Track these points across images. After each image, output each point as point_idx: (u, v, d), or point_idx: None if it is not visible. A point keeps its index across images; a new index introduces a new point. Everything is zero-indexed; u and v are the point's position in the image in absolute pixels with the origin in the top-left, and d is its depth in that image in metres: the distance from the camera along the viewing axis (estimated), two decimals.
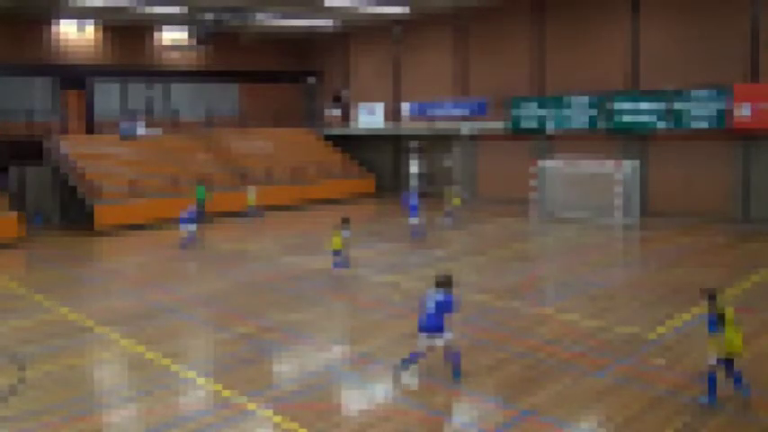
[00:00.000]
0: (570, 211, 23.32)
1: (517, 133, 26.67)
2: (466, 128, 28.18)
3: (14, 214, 22.18)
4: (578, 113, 24.20)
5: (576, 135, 24.92)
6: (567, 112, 24.51)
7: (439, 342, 9.17)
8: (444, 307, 9.13)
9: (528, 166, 24.79)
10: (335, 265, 15.96)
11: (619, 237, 20.77)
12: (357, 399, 9.03)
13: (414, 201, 20.52)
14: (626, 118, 22.94)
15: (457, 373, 9.29)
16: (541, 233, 21.75)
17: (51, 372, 10.09)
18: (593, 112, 23.81)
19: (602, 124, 23.67)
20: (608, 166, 22.30)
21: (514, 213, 24.89)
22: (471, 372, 9.56)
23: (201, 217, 23.37)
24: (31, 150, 26.68)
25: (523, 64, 27.68)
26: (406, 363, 9.43)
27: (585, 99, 24.00)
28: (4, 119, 27.72)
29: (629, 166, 22.41)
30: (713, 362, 8.35)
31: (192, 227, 20.37)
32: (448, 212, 23.18)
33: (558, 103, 24.83)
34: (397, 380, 9.36)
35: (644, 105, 22.49)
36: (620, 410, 8.31)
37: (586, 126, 24.09)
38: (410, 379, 9.43)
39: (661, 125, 22.31)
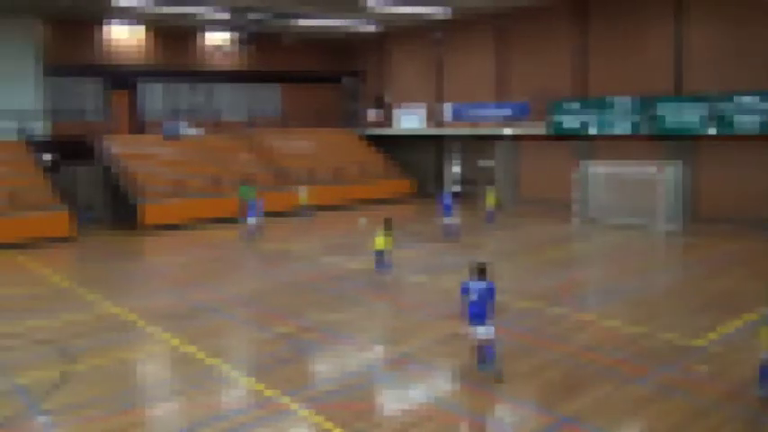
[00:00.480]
0: (613, 216, 22.96)
1: (559, 136, 26.36)
2: (509, 130, 27.99)
3: (66, 212, 22.90)
4: (621, 116, 23.78)
5: (618, 138, 24.51)
6: (609, 114, 24.10)
7: (481, 331, 9.26)
8: (488, 294, 9.29)
9: (570, 169, 24.49)
10: (378, 265, 16.05)
11: (662, 242, 20.36)
12: (396, 400, 9.07)
13: (447, 201, 20.70)
14: (670, 121, 22.46)
15: (491, 364, 9.38)
16: (582, 237, 21.47)
17: (97, 366, 10.41)
18: (637, 114, 23.37)
19: (645, 127, 23.22)
20: (651, 169, 21.88)
21: (556, 216, 24.62)
22: (510, 376, 9.52)
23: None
24: (81, 150, 27.51)
25: (565, 66, 27.35)
26: (491, 359, 9.40)
27: (629, 102, 23.57)
28: (57, 119, 28.63)
29: (673, 170, 21.94)
30: (765, 355, 8.47)
31: (252, 220, 21.65)
32: (490, 213, 23.40)
33: (600, 105, 24.45)
34: (498, 378, 9.30)
35: (688, 109, 21.98)
36: (663, 420, 8.17)
37: (629, 129, 23.66)
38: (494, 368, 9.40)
39: (706, 129, 21.77)
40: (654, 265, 17.46)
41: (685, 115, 22.06)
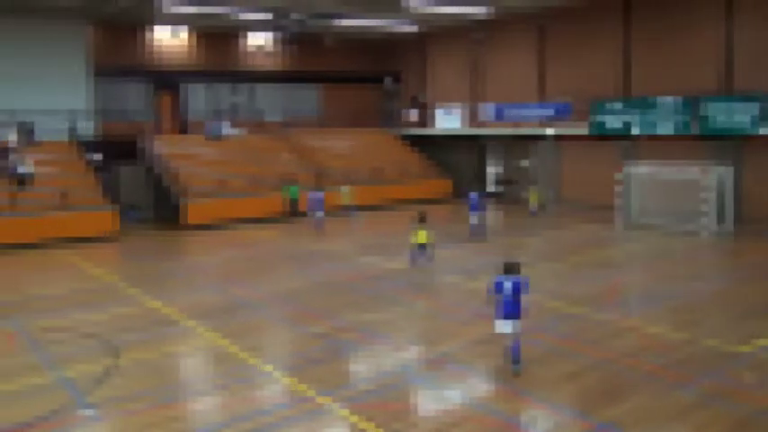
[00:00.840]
0: (657, 218, 22.47)
1: (600, 136, 25.92)
2: (550, 130, 27.66)
3: (110, 210, 23.50)
4: (666, 116, 23.26)
5: (662, 138, 23.98)
6: (653, 114, 23.60)
7: (516, 327, 9.46)
8: (522, 291, 9.46)
9: (612, 170, 24.06)
10: (415, 261, 16.49)
11: (709, 246, 19.84)
12: (433, 401, 9.06)
13: (474, 201, 20.71)
14: (718, 121, 21.87)
15: (517, 360, 9.56)
16: (625, 240, 21.07)
17: (140, 360, 10.66)
18: (683, 114, 22.82)
19: (691, 127, 22.66)
20: (698, 171, 21.35)
21: (598, 219, 24.23)
22: (547, 380, 9.42)
23: (294, 215, 25.49)
24: (127, 149, 28.20)
25: (608, 65, 26.90)
26: (516, 358, 9.59)
27: (674, 101, 23.04)
28: (105, 120, 29.40)
29: (721, 172, 21.37)
30: None
31: (321, 214, 22.96)
32: (533, 212, 23.42)
33: (644, 105, 23.97)
34: (517, 373, 9.55)
35: (738, 108, 21.37)
36: (706, 429, 7.96)
37: (674, 129, 23.12)
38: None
39: (757, 129, 21.12)
40: (699, 269, 17.02)
41: (735, 115, 21.45)
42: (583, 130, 26.20)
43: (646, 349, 10.69)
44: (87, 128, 27.87)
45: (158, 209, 27.70)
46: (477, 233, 20.57)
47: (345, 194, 26.78)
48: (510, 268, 9.66)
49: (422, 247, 16.40)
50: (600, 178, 26.15)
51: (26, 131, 25.53)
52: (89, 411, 8.76)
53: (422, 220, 16.60)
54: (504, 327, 9.53)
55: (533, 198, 23.81)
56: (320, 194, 23.52)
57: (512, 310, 9.41)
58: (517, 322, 9.47)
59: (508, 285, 9.46)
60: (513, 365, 9.61)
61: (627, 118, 24.45)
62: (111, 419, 8.56)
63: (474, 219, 20.69)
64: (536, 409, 8.66)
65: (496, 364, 10.15)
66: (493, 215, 28.15)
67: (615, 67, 26.67)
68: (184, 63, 32.12)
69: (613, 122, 24.95)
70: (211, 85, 33.27)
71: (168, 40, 31.67)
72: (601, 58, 27.18)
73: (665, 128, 23.31)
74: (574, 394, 9.04)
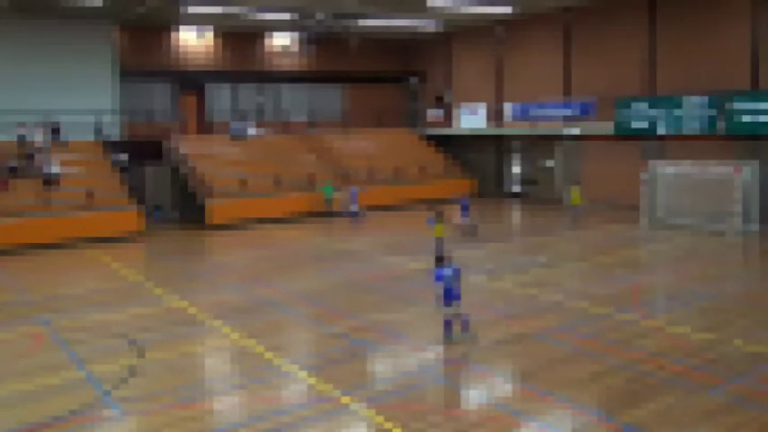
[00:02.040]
0: (682, 218, 22.12)
1: (625, 135, 25.58)
2: (575, 129, 27.38)
3: (135, 209, 23.78)
4: (692, 114, 22.87)
5: (689, 137, 23.59)
6: (679, 112, 23.23)
7: (458, 308, 11.11)
8: (457, 276, 11.16)
9: (637, 169, 23.74)
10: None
11: (736, 246, 19.47)
12: (452, 401, 9.00)
13: (465, 203, 21.94)
14: (746, 119, 21.45)
15: (466, 329, 11.22)
16: (650, 240, 20.76)
17: (161, 360, 10.75)
18: (709, 112, 22.41)
19: (718, 126, 22.25)
20: (725, 170, 20.97)
21: (622, 219, 23.93)
22: (571, 381, 9.32)
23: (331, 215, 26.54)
24: (152, 150, 28.53)
25: (632, 62, 26.55)
26: (448, 332, 11.14)
27: (701, 99, 22.65)
28: (131, 120, 29.77)
29: (749, 171, 20.96)
30: None
31: (355, 207, 25.43)
32: (575, 211, 23.37)
33: (669, 103, 23.59)
34: (447, 341, 11.04)
35: (765, 106, 20.93)
36: None
37: (702, 127, 22.73)
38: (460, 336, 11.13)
39: None
40: (727, 269, 16.70)
41: (762, 113, 21.02)
42: (608, 129, 25.89)
43: (672, 350, 10.52)
44: (113, 128, 28.26)
45: (183, 209, 27.97)
46: (468, 233, 21.36)
47: (329, 193, 26.89)
48: (442, 259, 11.64)
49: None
50: (624, 177, 25.83)
51: (53, 132, 25.98)
52: (112, 410, 8.85)
53: (438, 217, 17.73)
54: (458, 309, 11.12)
55: (576, 197, 23.61)
56: (352, 188, 26.05)
57: (457, 293, 11.10)
58: (459, 302, 11.15)
59: (448, 276, 10.99)
60: (463, 333, 11.16)
61: (652, 116, 24.10)
62: (132, 418, 8.64)
63: (465, 220, 21.59)
64: (560, 410, 8.56)
65: (519, 364, 10.07)
66: (516, 215, 27.97)
67: (640, 66, 26.32)
68: (209, 64, 32.40)
69: (638, 121, 24.61)
70: (236, 86, 33.52)
71: (193, 41, 31.97)
72: (626, 57, 26.84)
73: (691, 127, 22.93)
74: (598, 395, 8.92)
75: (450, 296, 11.05)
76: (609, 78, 27.35)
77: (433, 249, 17.34)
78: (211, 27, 31.94)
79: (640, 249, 19.79)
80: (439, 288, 11.14)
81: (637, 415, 8.24)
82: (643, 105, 24.49)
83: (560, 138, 29.11)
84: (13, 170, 23.37)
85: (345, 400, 8.90)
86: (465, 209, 21.80)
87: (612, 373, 9.63)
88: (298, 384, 9.66)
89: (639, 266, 17.54)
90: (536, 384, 9.29)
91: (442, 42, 36.17)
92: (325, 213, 25.97)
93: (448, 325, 11.15)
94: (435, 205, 19.84)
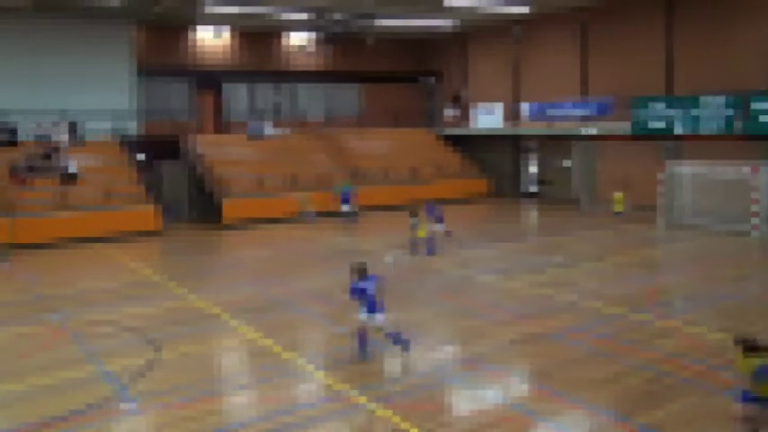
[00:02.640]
0: (700, 219, 21.88)
1: (642, 135, 25.35)
2: (592, 129, 27.18)
3: (152, 207, 23.96)
4: (711, 114, 22.59)
5: (707, 137, 23.31)
6: (697, 112, 22.95)
7: (380, 320, 10.17)
8: (379, 288, 10.23)
9: (654, 170, 23.52)
10: (428, 251, 18.08)
11: (755, 247, 19.23)
12: (467, 401, 8.97)
13: (439, 212, 19.36)
14: (764, 119, 21.14)
15: (406, 346, 10.36)
16: (668, 240, 20.56)
17: (180, 355, 10.82)
18: (728, 112, 22.13)
19: (738, 126, 21.96)
20: (744, 170, 20.71)
21: (639, 219, 23.70)
22: (587, 382, 9.25)
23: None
24: (169, 148, 28.73)
25: (650, 62, 26.30)
26: (363, 347, 10.32)
27: (720, 99, 22.36)
28: (148, 119, 30.01)
29: (766, 171, 20.67)
30: None
31: (347, 207, 24.79)
32: (620, 214, 22.75)
33: (687, 103, 23.33)
34: (354, 359, 10.22)
35: None
36: None
37: (720, 128, 22.46)
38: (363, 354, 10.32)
39: None
40: (745, 270, 16.50)
41: None
42: (625, 128, 25.68)
43: (689, 351, 10.40)
44: (131, 127, 28.49)
45: (199, 207, 28.14)
46: (431, 248, 18.53)
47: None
48: (363, 270, 10.25)
49: (425, 240, 18.11)
50: (641, 178, 25.60)
51: (71, 130, 26.21)
52: (129, 405, 8.93)
53: (413, 214, 18.37)
54: (377, 319, 10.16)
55: (619, 202, 23.06)
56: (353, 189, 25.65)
57: (376, 304, 10.12)
58: (382, 316, 10.20)
59: (369, 288, 10.09)
60: (364, 354, 10.29)
61: (669, 116, 23.86)
62: (148, 413, 8.70)
63: (439, 227, 19.15)
64: (575, 411, 8.50)
65: (534, 364, 10.02)
66: (529, 214, 27.85)
67: (658, 64, 26.07)
68: (226, 63, 32.57)
69: (656, 121, 24.37)
70: (253, 85, 33.66)
71: (211, 40, 32.16)
72: (643, 56, 26.60)
73: (709, 127, 22.66)
74: (614, 397, 8.84)
75: (372, 309, 10.12)
76: (626, 78, 27.13)
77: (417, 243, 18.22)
78: (229, 26, 32.11)
79: (658, 249, 19.60)
80: (357, 301, 10.26)
81: (654, 417, 8.15)
82: (660, 105, 24.23)
83: (577, 138, 28.91)
84: (31, 168, 23.64)
85: (359, 398, 8.89)
86: (439, 220, 19.23)
87: (629, 374, 9.53)
88: (311, 382, 9.66)
89: (657, 267, 17.38)
90: (551, 385, 9.23)
91: (459, 42, 36.07)
92: (341, 213, 25.90)
93: (362, 339, 10.29)
94: (412, 206, 19.44)
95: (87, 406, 8.83)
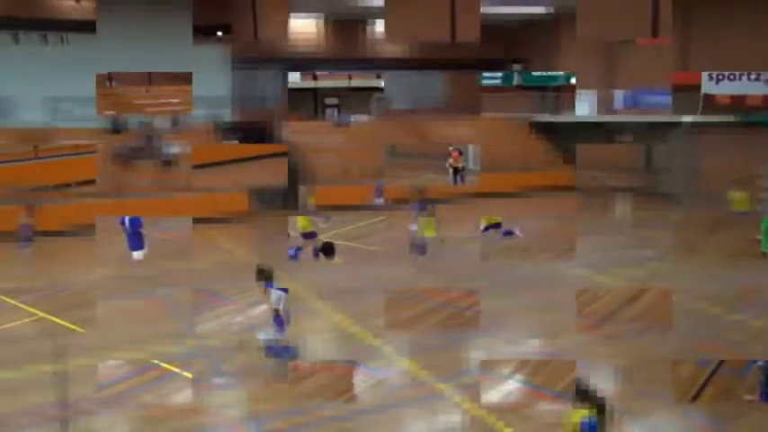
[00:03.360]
0: None
1: (749, 123, 23.93)
2: (688, 117, 25.91)
3: (243, 193, 24.84)
4: None
5: None
6: None
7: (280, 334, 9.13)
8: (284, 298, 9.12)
9: (760, 161, 22.16)
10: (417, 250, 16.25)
11: None
12: (544, 393, 8.88)
13: (417, 205, 17.46)
14: None
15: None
16: None
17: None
18: None
19: None
20: None
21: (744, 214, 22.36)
22: (677, 383, 8.94)
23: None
24: (260, 134, 29.59)
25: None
26: (286, 356, 9.26)
27: None
28: (240, 106, 31.01)
29: None
30: None
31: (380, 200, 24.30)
32: (740, 213, 21.35)
33: None
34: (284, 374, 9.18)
35: None
36: None
37: None
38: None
39: None
40: None
41: None
42: (727, 117, 24.31)
43: None
44: (225, 113, 29.53)
45: (288, 192, 28.83)
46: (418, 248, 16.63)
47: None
48: (268, 277, 9.29)
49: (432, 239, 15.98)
50: (745, 169, 24.14)
51: (173, 117, 27.57)
52: (222, 379, 9.39)
53: (430, 212, 16.30)
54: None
55: (740, 201, 21.70)
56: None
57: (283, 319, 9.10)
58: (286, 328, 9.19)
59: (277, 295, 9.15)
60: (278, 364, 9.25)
61: None
62: (240, 388, 9.12)
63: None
64: (668, 412, 8.26)
65: (619, 361, 9.79)
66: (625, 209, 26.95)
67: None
68: (316, 50, 33.16)
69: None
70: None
71: (300, 27, 32.79)
72: (748, 38, 25.04)
73: None
74: (705, 402, 8.52)
75: (278, 321, 9.18)
76: (730, 64, 25.64)
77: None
78: (318, 14, 32.64)
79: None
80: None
81: (747, 424, 7.82)
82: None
83: (674, 126, 27.60)
84: (134, 151, 25.00)
85: (442, 386, 8.96)
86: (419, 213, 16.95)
87: (720, 375, 9.14)
88: (393, 368, 9.80)
89: (759, 265, 16.40)
90: (640, 384, 9.02)
91: (550, 27, 35.10)
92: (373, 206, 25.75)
93: (273, 352, 9.32)
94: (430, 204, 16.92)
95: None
